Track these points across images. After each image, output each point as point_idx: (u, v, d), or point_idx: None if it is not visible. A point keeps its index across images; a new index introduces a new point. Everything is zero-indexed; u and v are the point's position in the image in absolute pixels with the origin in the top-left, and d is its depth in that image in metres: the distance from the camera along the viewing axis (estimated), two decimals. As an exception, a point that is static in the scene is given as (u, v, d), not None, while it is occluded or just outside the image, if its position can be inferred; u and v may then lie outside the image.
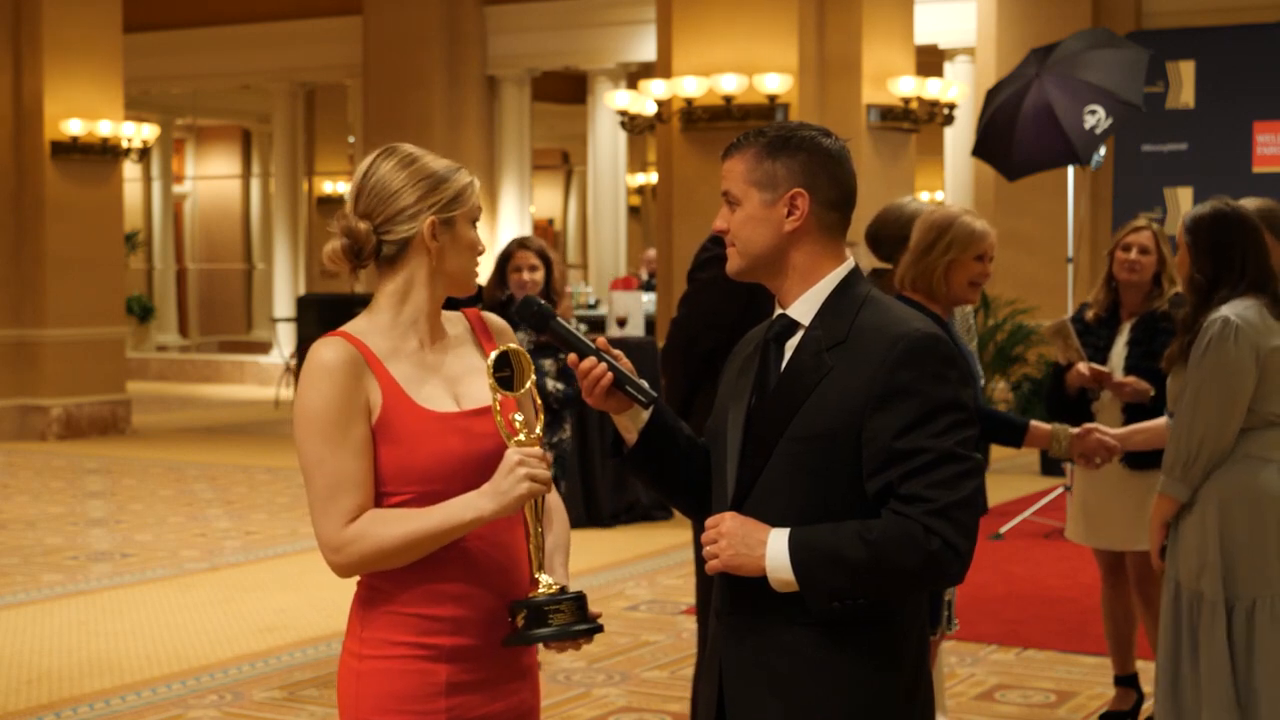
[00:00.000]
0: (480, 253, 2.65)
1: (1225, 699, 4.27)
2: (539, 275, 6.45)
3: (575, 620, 2.51)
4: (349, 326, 2.60)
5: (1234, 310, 4.28)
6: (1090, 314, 5.59)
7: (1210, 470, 4.30)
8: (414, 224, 2.57)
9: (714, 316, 4.71)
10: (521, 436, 2.51)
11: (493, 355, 2.52)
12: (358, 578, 2.62)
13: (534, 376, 2.55)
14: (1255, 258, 4.35)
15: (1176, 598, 4.40)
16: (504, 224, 16.86)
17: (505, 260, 6.52)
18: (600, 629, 2.55)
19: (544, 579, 2.54)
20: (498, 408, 2.52)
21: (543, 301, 2.63)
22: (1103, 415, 5.47)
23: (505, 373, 2.52)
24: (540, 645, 2.57)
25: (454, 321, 2.71)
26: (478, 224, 2.65)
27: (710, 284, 4.72)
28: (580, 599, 2.54)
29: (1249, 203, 4.59)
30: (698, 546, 4.58)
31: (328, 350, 2.54)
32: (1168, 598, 4.44)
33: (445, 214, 2.58)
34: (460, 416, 2.57)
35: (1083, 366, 5.41)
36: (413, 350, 2.60)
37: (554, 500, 2.70)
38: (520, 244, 6.56)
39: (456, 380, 2.62)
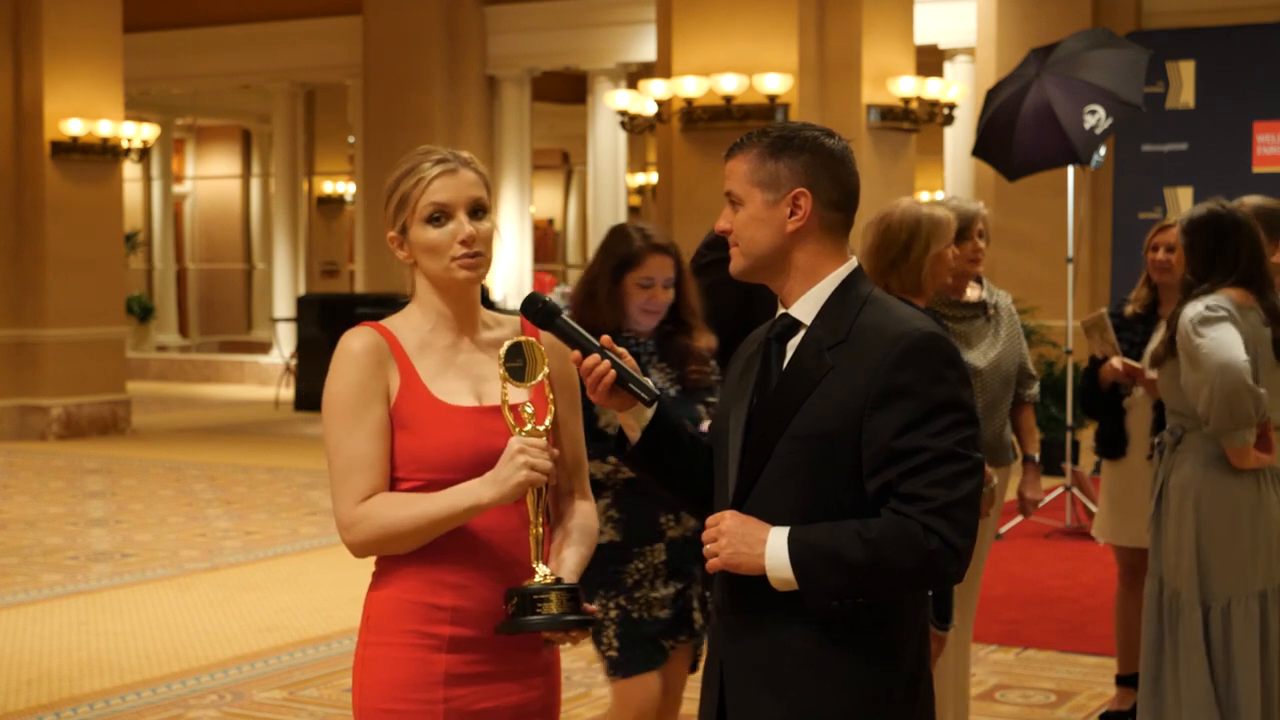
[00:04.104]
0: (448, 247, 2.60)
1: (1204, 698, 4.30)
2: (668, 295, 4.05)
3: (566, 611, 2.52)
4: (386, 319, 2.70)
5: (1210, 300, 4.31)
6: (1129, 309, 5.59)
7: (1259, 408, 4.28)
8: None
9: (714, 319, 4.65)
10: (528, 427, 2.54)
11: (505, 345, 2.56)
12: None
13: (546, 370, 2.56)
14: (1248, 258, 4.36)
15: (1159, 593, 4.43)
16: (503, 224, 16.86)
17: (624, 269, 3.98)
18: (593, 622, 2.56)
19: (540, 569, 2.56)
20: (506, 398, 2.55)
21: (547, 298, 2.62)
22: (1135, 411, 5.47)
23: (518, 364, 2.55)
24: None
25: (502, 324, 2.74)
26: (445, 215, 2.61)
27: (708, 290, 4.63)
28: (574, 590, 2.55)
29: (1250, 200, 4.60)
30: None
31: (354, 339, 2.63)
32: (1151, 592, 4.47)
33: (396, 226, 2.66)
34: (476, 411, 2.62)
35: (1116, 361, 5.41)
36: (444, 346, 2.67)
37: (588, 511, 2.75)
38: (647, 242, 4.00)
39: (483, 379, 2.65)
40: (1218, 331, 4.25)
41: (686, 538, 4.00)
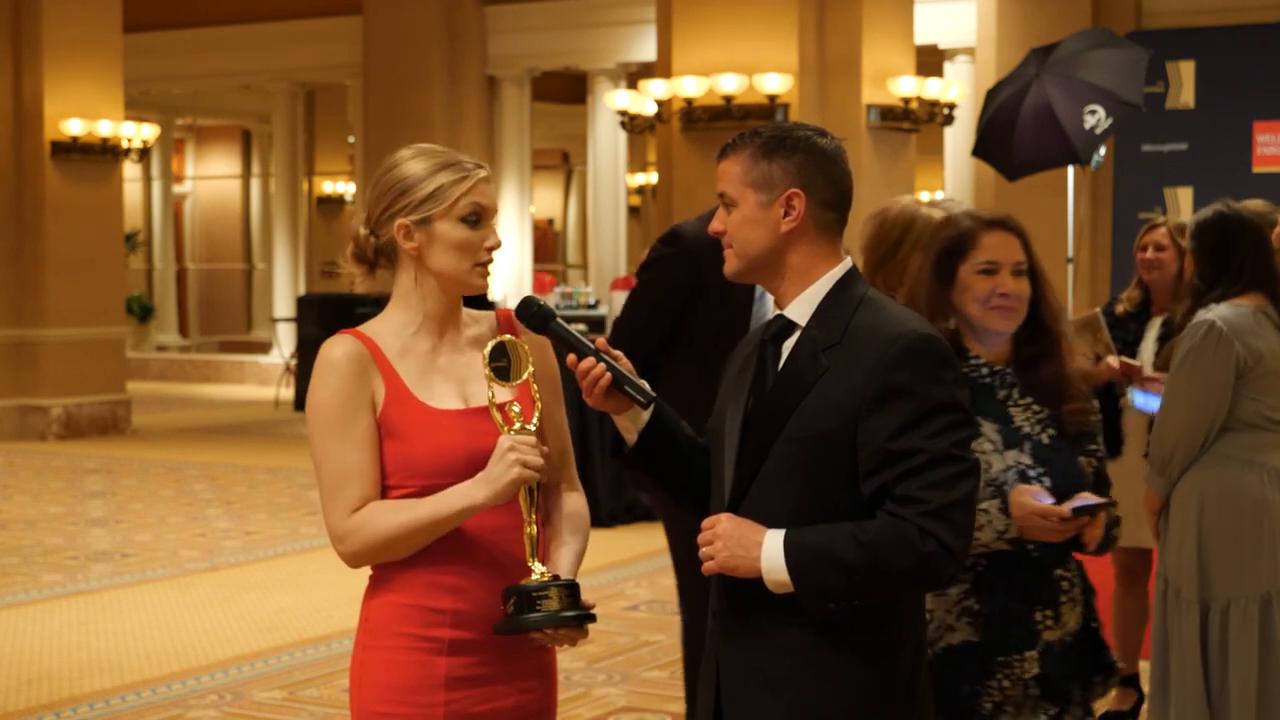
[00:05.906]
0: (476, 250, 2.62)
1: (1196, 698, 4.29)
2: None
3: (565, 608, 2.52)
4: (364, 325, 2.67)
5: (1221, 314, 4.28)
6: (1120, 308, 5.61)
7: (1186, 467, 4.33)
8: (391, 227, 2.63)
9: (649, 320, 4.48)
10: (516, 426, 2.54)
11: (489, 346, 2.55)
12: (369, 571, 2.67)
13: (531, 369, 2.56)
14: (1255, 259, 4.35)
15: (1165, 593, 4.43)
16: (503, 224, 16.85)
17: (954, 257, 3.05)
18: (592, 619, 2.56)
19: (537, 567, 2.56)
20: (493, 398, 2.54)
21: (542, 301, 2.63)
22: (1131, 411, 5.48)
23: (502, 363, 2.54)
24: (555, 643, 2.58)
25: (479, 322, 2.73)
26: (480, 218, 2.62)
27: (648, 286, 4.55)
28: (572, 587, 2.55)
29: (1253, 204, 4.59)
30: (674, 545, 4.55)
31: (335, 348, 2.61)
32: (1159, 591, 4.47)
33: (417, 215, 2.61)
34: (464, 414, 2.61)
35: (1112, 360, 5.41)
36: (425, 350, 2.65)
37: (578, 503, 2.75)
38: (977, 220, 3.07)
39: (467, 380, 2.64)
40: (1208, 368, 4.25)
41: (1066, 643, 2.99)
